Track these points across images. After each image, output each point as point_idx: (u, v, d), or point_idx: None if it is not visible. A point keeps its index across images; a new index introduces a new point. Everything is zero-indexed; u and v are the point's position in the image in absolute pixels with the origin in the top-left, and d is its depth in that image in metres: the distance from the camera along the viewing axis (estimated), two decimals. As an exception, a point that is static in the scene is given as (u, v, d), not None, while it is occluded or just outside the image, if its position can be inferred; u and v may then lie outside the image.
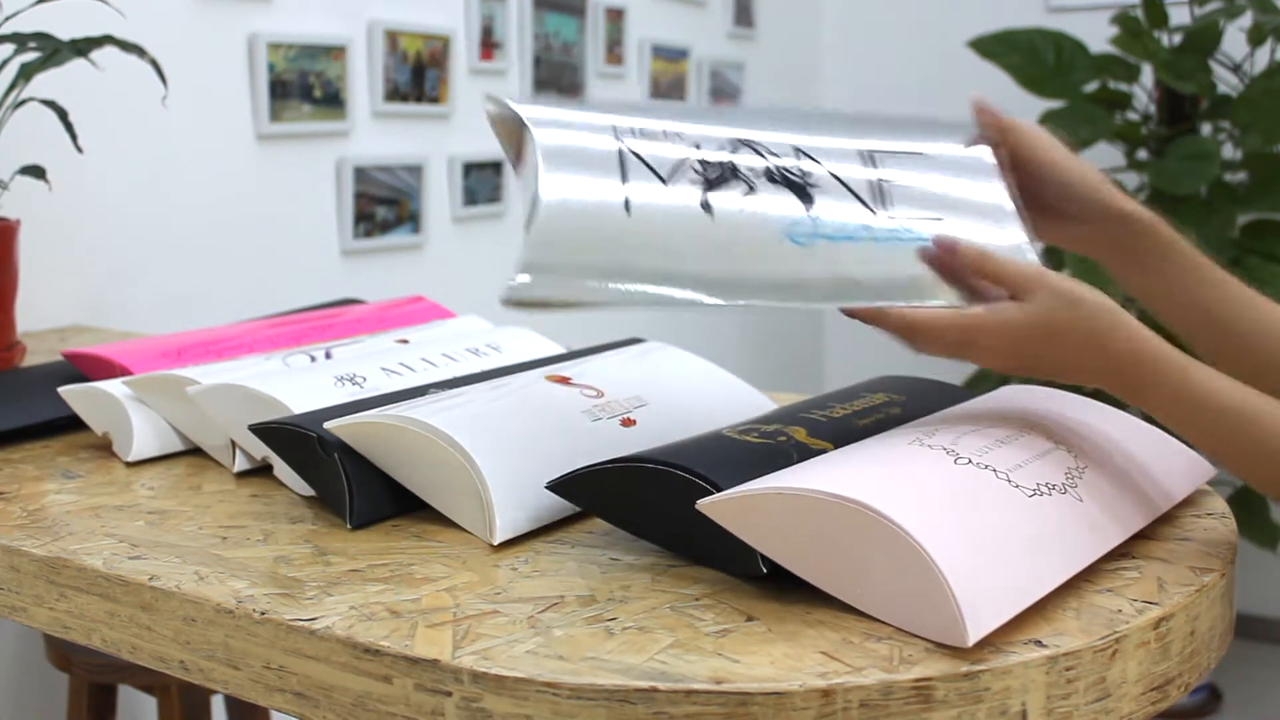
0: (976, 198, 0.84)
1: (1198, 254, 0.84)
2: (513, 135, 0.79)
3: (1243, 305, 0.84)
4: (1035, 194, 0.86)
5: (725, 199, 0.77)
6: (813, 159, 0.81)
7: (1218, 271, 0.84)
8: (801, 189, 0.79)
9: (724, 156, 0.78)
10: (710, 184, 0.77)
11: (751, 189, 0.77)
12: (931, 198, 0.83)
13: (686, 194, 0.76)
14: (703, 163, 0.77)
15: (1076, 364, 0.75)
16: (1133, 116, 2.88)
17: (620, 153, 0.76)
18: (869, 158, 0.83)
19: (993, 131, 0.87)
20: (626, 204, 0.75)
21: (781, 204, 0.78)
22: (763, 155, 0.79)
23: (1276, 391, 0.74)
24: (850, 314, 0.78)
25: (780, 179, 0.79)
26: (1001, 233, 0.83)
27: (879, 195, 0.81)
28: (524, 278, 0.71)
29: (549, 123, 0.77)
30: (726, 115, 0.82)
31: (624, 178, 0.75)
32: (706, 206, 0.76)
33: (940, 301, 0.78)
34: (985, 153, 0.87)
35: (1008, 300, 0.75)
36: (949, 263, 0.78)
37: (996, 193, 0.85)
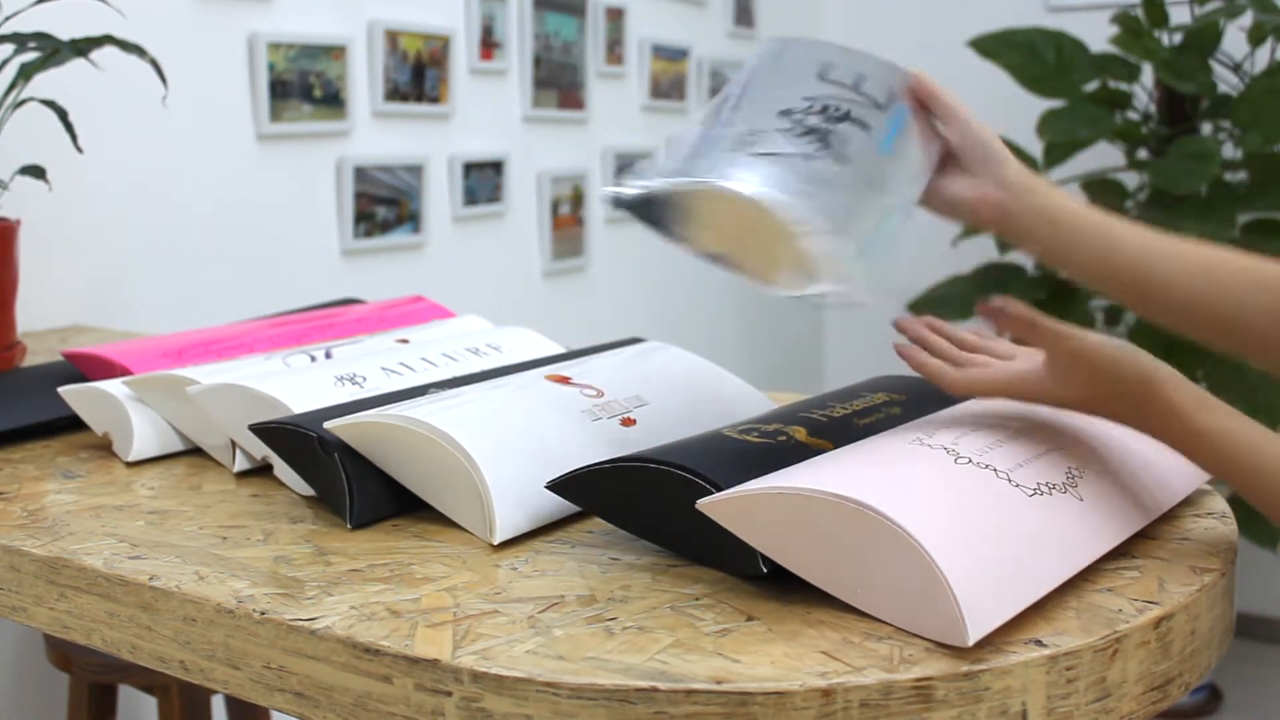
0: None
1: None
2: (674, 209, 0.82)
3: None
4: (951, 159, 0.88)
5: (842, 149, 0.82)
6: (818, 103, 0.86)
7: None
8: (846, 117, 0.85)
9: (803, 126, 0.83)
10: (826, 147, 0.82)
11: (845, 140, 0.83)
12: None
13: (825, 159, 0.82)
14: (808, 132, 0.83)
15: (1120, 421, 0.77)
16: (1133, 116, 2.88)
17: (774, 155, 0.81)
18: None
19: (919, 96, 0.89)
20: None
21: (856, 136, 0.84)
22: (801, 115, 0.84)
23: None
24: (902, 354, 0.83)
25: (838, 116, 0.84)
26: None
27: (875, 101, 0.86)
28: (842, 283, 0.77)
29: (702, 169, 0.80)
30: (749, 107, 0.86)
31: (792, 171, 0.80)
32: (842, 160, 0.82)
33: None
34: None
35: (1040, 369, 0.78)
36: (1000, 321, 0.79)
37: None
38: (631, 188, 0.80)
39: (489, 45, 2.41)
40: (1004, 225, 0.84)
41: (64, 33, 1.36)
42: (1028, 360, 0.80)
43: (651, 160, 0.83)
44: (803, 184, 0.79)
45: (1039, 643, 0.63)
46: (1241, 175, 2.79)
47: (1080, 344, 0.76)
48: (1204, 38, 2.72)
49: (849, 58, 0.89)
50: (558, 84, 2.59)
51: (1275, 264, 0.75)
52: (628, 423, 0.90)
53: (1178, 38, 2.78)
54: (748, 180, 0.78)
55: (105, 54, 1.42)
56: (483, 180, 2.41)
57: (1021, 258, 2.88)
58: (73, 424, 1.10)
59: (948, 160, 0.87)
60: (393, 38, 2.18)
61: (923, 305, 2.88)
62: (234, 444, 0.97)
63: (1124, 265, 0.78)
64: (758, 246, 0.80)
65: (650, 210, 0.80)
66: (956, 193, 0.86)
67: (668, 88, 2.93)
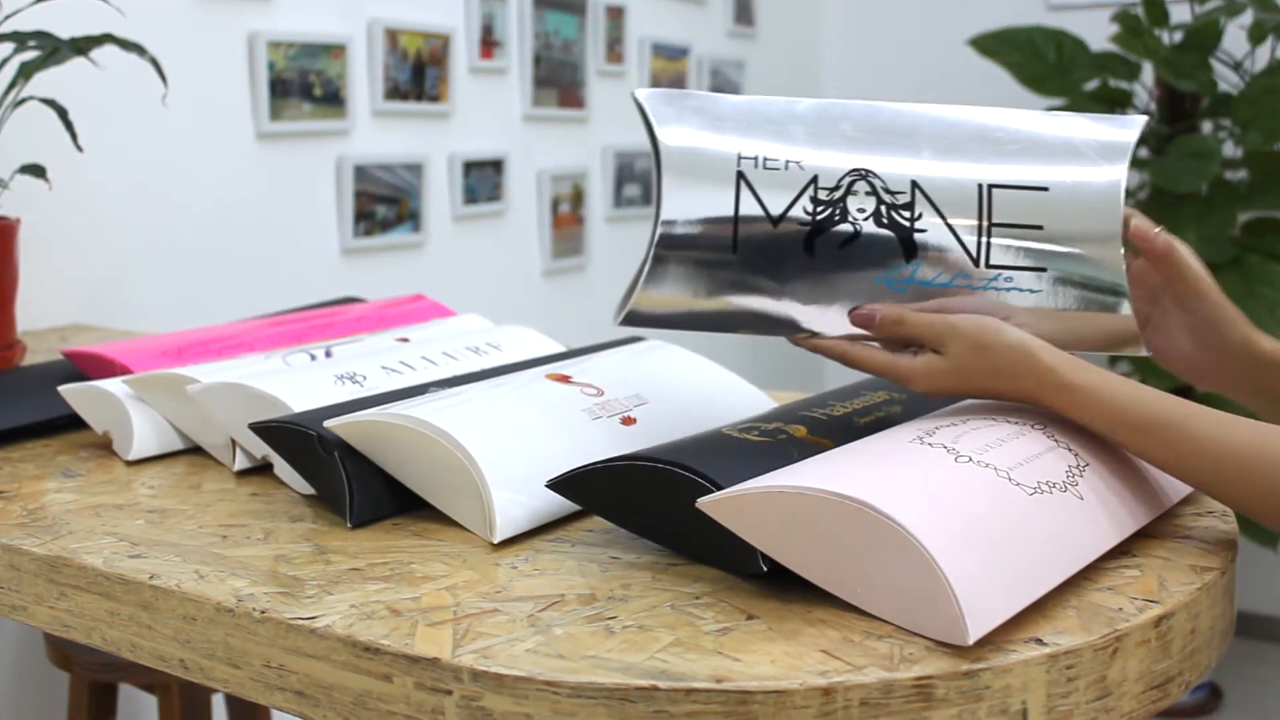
0: (1090, 249, 0.83)
1: None
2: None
3: None
4: (1175, 318, 0.87)
5: (829, 242, 0.81)
6: (927, 197, 0.82)
7: None
8: (908, 236, 0.81)
9: (837, 195, 0.81)
10: (817, 228, 0.81)
11: (856, 235, 0.81)
12: (1041, 249, 0.82)
13: (792, 235, 0.81)
14: (814, 201, 0.81)
15: (998, 394, 0.80)
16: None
17: (737, 188, 0.81)
18: (986, 195, 0.82)
19: (1151, 254, 0.86)
20: (734, 243, 0.80)
21: (882, 250, 0.81)
22: (877, 193, 0.82)
23: None
24: (795, 342, 0.84)
25: (888, 223, 0.82)
26: (1104, 293, 0.83)
27: (985, 246, 0.82)
28: (643, 298, 0.79)
29: (680, 152, 0.81)
30: (854, 129, 0.84)
31: (736, 215, 0.80)
32: (809, 249, 0.81)
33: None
34: (1116, 199, 0.83)
35: (929, 352, 0.81)
36: (873, 329, 0.82)
37: (1112, 248, 0.83)
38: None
39: (489, 44, 2.41)
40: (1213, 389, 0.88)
41: (64, 31, 1.36)
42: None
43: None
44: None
45: (1039, 641, 0.63)
46: (1242, 174, 2.79)
47: (950, 320, 0.80)
48: (1204, 36, 2.72)
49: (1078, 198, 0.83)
50: (558, 83, 2.59)
51: None
52: (628, 421, 0.90)
53: (1178, 36, 2.78)
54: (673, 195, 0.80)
55: (105, 53, 1.42)
56: (483, 179, 2.41)
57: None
58: (73, 423, 1.10)
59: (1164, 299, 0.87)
60: (393, 36, 2.18)
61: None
62: (234, 443, 0.97)
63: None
64: None
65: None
66: (1178, 353, 0.87)
67: (668, 86, 2.93)
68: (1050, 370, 0.77)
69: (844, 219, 0.81)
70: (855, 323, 0.82)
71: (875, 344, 0.83)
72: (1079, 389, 0.76)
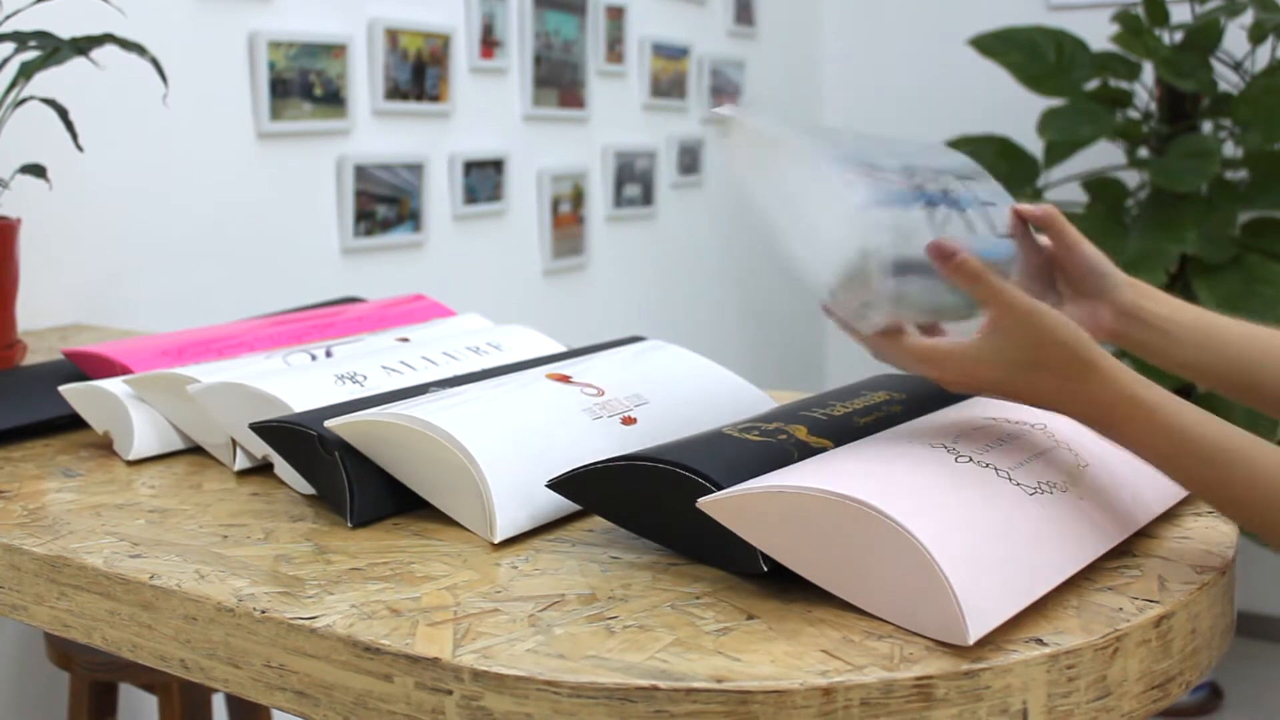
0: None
1: (1197, 316, 0.86)
2: (750, 146, 0.80)
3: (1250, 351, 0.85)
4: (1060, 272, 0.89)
5: (933, 208, 0.81)
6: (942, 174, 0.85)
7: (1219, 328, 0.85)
8: (958, 203, 0.83)
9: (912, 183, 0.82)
10: (929, 204, 0.81)
11: (939, 203, 0.82)
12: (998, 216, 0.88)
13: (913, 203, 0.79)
14: (897, 174, 0.81)
15: (1043, 393, 0.73)
16: (1134, 114, 2.87)
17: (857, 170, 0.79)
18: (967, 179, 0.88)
19: (1042, 223, 0.88)
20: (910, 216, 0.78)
21: (963, 215, 0.83)
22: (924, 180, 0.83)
23: None
24: (829, 311, 0.80)
25: (943, 200, 0.83)
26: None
27: (990, 220, 0.85)
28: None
29: (816, 139, 0.79)
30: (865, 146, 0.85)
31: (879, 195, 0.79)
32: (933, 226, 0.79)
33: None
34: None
35: (975, 336, 0.74)
36: (943, 266, 0.76)
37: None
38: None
39: (489, 44, 2.41)
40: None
41: (64, 31, 1.36)
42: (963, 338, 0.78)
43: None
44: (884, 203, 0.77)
45: (1039, 641, 0.63)
46: (1242, 174, 2.79)
47: (1031, 302, 0.72)
48: (1205, 36, 2.72)
49: (984, 181, 0.89)
50: (558, 82, 2.59)
51: None
52: (628, 421, 0.90)
53: (1178, 36, 2.78)
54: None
55: (106, 53, 1.42)
56: (483, 179, 2.41)
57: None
58: (73, 422, 1.10)
59: (1054, 279, 0.88)
60: (393, 36, 2.18)
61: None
62: (234, 442, 0.97)
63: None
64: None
65: None
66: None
67: (668, 86, 2.93)
68: (1110, 379, 0.71)
69: (927, 190, 0.81)
70: (933, 254, 0.75)
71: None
72: (1140, 403, 0.71)
